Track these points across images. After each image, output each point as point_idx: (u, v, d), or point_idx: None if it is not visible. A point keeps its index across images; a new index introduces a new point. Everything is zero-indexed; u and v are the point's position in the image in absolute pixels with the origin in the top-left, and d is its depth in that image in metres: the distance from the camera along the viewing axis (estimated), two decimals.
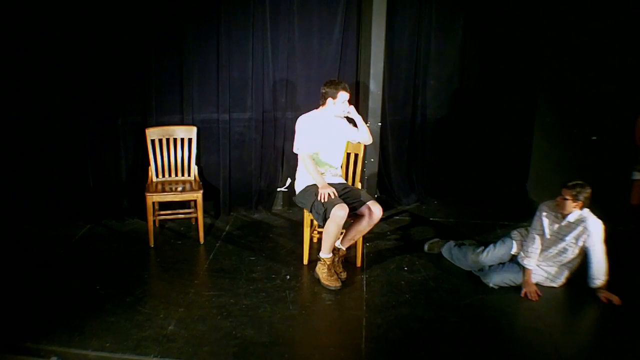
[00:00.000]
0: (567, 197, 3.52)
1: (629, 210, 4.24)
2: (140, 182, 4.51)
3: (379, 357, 3.07)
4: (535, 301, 3.60)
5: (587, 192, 3.51)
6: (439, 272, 3.99)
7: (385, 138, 5.08)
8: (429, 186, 5.41)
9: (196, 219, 4.50)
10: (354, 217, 3.79)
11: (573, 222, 3.59)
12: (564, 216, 3.61)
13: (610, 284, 3.61)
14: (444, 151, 5.35)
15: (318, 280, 3.77)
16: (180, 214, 4.62)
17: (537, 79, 5.24)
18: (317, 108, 3.92)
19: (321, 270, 3.77)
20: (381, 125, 4.88)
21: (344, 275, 3.84)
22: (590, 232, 3.53)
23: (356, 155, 4.17)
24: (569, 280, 3.76)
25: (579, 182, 3.53)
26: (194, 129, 4.52)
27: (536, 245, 3.69)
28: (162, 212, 4.58)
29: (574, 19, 4.83)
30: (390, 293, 3.69)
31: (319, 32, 4.75)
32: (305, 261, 4.04)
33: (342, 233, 3.84)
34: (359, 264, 4.06)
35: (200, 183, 4.47)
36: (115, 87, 4.42)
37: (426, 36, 5.00)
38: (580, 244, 3.59)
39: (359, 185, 4.16)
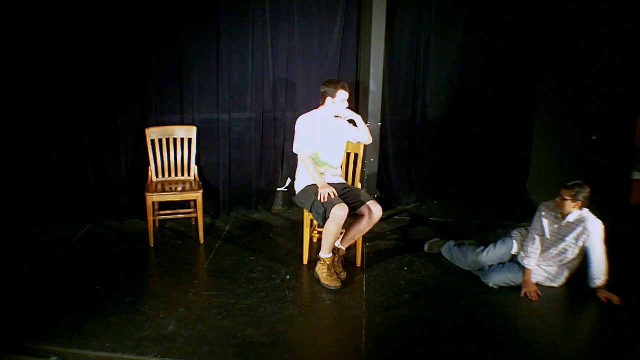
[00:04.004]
0: (567, 198, 3.52)
1: (629, 210, 4.24)
2: (140, 182, 4.52)
3: (379, 357, 3.07)
4: (535, 301, 3.60)
5: (586, 192, 3.51)
6: (439, 272, 3.99)
7: (385, 138, 5.08)
8: (429, 186, 5.41)
9: (196, 219, 4.50)
10: (354, 217, 3.79)
11: (573, 223, 3.59)
12: (564, 216, 3.61)
13: (610, 284, 3.61)
14: (444, 151, 5.35)
15: (318, 280, 3.77)
16: (180, 214, 4.62)
17: (537, 79, 5.24)
18: (317, 108, 3.92)
19: (321, 270, 3.77)
20: (381, 125, 4.88)
21: (344, 275, 3.84)
22: (590, 232, 3.53)
23: (356, 155, 4.17)
24: (569, 280, 3.76)
25: (577, 182, 3.53)
26: (194, 129, 4.52)
27: (536, 245, 3.69)
28: (162, 212, 4.58)
29: (574, 19, 4.83)
30: (390, 293, 3.69)
31: (319, 32, 4.75)
32: (305, 261, 4.04)
33: (342, 233, 3.84)
34: (359, 264, 4.06)
35: (200, 183, 4.47)
36: (115, 87, 4.43)
37: (426, 36, 5.00)
38: (580, 244, 3.59)
39: (359, 185, 4.16)
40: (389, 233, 4.66)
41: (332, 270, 3.75)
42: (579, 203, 3.53)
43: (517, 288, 3.71)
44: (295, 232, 4.56)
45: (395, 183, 5.28)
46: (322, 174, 3.85)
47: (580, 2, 4.75)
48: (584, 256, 3.65)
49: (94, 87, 4.38)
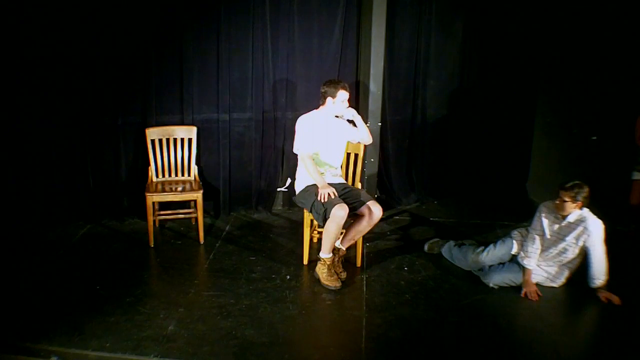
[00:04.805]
0: (566, 199, 3.52)
1: (629, 210, 4.24)
2: (140, 182, 4.52)
3: (379, 357, 3.07)
4: (535, 301, 3.60)
5: (585, 192, 3.51)
6: (439, 272, 3.99)
7: (385, 138, 5.08)
8: (429, 186, 5.41)
9: (196, 219, 4.50)
10: (354, 217, 3.79)
11: (573, 222, 3.59)
12: (564, 216, 3.61)
13: (610, 284, 3.61)
14: (444, 151, 5.36)
15: (318, 280, 3.77)
16: (180, 214, 4.62)
17: (537, 79, 5.24)
18: (317, 108, 3.92)
19: (321, 270, 3.77)
20: (381, 125, 4.88)
21: (344, 275, 3.84)
22: (591, 232, 3.53)
23: (356, 155, 4.17)
24: (569, 280, 3.76)
25: (576, 182, 3.53)
26: (194, 129, 4.52)
27: (536, 245, 3.69)
28: (162, 212, 4.58)
29: (574, 18, 4.83)
30: (390, 293, 3.69)
31: (319, 32, 4.75)
32: (305, 261, 4.04)
33: (342, 233, 3.84)
34: (359, 264, 4.06)
35: (200, 183, 4.47)
36: (115, 87, 4.43)
37: (426, 36, 5.00)
38: (581, 243, 3.59)
39: (359, 185, 4.16)
40: (389, 233, 4.66)
41: (332, 270, 3.75)
42: (579, 203, 3.53)
43: (517, 288, 3.71)
44: (295, 232, 4.55)
45: (395, 183, 5.28)
46: (322, 174, 3.85)
47: (581, 2, 4.75)
48: (584, 256, 3.64)
49: (94, 87, 4.38)
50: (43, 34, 4.15)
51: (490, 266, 3.87)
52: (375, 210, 3.72)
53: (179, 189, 4.32)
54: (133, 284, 3.69)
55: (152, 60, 4.44)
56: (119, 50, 4.35)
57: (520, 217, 4.75)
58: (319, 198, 3.64)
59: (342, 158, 4.06)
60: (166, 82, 4.53)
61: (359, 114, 3.99)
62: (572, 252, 3.64)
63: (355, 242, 3.97)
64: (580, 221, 3.57)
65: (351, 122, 4.00)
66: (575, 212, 3.57)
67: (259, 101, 4.73)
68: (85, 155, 4.51)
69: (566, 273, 3.74)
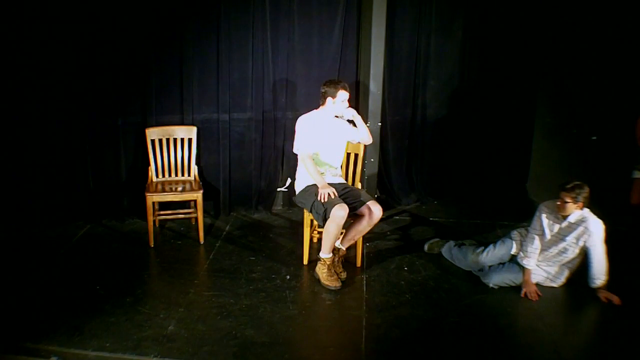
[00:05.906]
0: (568, 200, 3.51)
1: (629, 210, 4.24)
2: (140, 182, 4.52)
3: (379, 357, 3.07)
4: (535, 301, 3.60)
5: (586, 192, 3.51)
6: (439, 272, 3.99)
7: (385, 138, 5.08)
8: (429, 186, 5.41)
9: (196, 219, 4.50)
10: (354, 217, 3.79)
11: (574, 223, 3.59)
12: (565, 217, 3.61)
13: (610, 284, 3.61)
14: (444, 151, 5.35)
15: (318, 280, 3.77)
16: (180, 214, 4.62)
17: (537, 79, 5.24)
18: (317, 108, 3.92)
19: (321, 270, 3.77)
20: (381, 125, 4.88)
21: (344, 275, 3.84)
22: (591, 232, 3.53)
23: (356, 155, 4.17)
24: (569, 280, 3.76)
25: (576, 182, 3.53)
26: (194, 129, 4.52)
27: (535, 245, 3.69)
28: (162, 212, 4.58)
29: (574, 18, 4.83)
30: (390, 293, 3.69)
31: (319, 32, 4.75)
32: (305, 261, 4.04)
33: (342, 233, 3.84)
34: (359, 264, 4.06)
35: (200, 183, 4.47)
36: (115, 87, 4.43)
37: (426, 36, 5.00)
38: (581, 243, 3.59)
39: (359, 185, 4.16)
40: (389, 233, 4.66)
41: (332, 270, 3.75)
42: (580, 204, 3.53)
43: (517, 288, 3.71)
44: (295, 232, 4.55)
45: (395, 183, 5.28)
46: (322, 174, 3.85)
47: (581, 2, 4.75)
48: (584, 256, 3.65)
49: (94, 87, 4.38)
50: (43, 34, 4.15)
51: (490, 266, 3.87)
52: (375, 210, 3.72)
53: (179, 189, 4.32)
54: (133, 284, 3.70)
55: (152, 60, 4.44)
56: (119, 51, 4.35)
57: (520, 217, 4.75)
58: (319, 198, 3.64)
59: (342, 158, 4.06)
60: (166, 82, 4.53)
61: (359, 114, 3.99)
62: (572, 252, 3.64)
63: (355, 242, 3.97)
64: (581, 221, 3.57)
65: (351, 122, 4.00)
66: (576, 212, 3.57)
67: (259, 101, 4.73)
68: (85, 155, 4.51)
69: (566, 273, 3.74)
